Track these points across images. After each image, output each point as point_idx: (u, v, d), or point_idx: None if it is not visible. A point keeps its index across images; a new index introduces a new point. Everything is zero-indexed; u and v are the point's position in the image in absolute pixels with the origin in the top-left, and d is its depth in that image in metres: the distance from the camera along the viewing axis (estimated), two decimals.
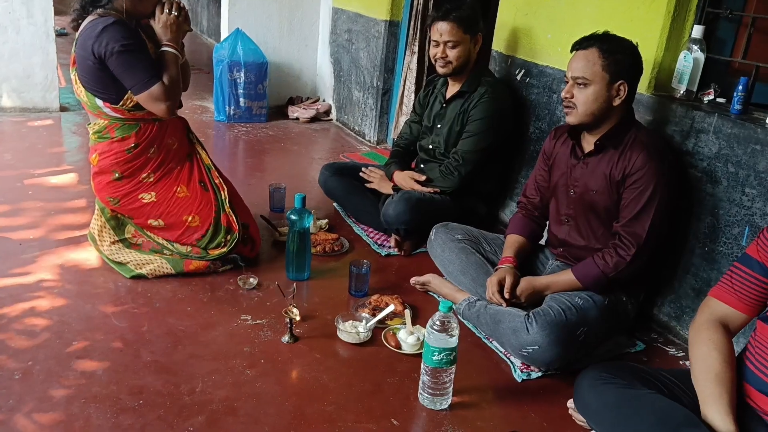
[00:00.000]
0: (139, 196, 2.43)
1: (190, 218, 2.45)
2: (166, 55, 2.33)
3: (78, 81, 2.32)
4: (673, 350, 2.25)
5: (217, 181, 2.56)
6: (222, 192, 2.53)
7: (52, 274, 2.40)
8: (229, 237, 2.46)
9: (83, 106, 2.40)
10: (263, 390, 1.84)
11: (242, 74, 4.72)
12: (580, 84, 2.05)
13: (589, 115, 2.07)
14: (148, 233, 2.49)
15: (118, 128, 2.36)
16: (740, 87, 2.13)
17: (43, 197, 3.13)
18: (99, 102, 2.31)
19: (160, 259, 2.43)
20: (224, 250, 2.45)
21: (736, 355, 1.58)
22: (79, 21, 2.32)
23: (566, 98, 2.08)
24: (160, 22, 2.34)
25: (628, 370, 1.65)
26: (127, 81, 2.25)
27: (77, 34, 2.30)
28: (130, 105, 2.31)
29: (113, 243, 2.47)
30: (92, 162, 2.44)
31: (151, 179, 2.43)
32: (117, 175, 2.40)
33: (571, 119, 2.11)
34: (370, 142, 4.60)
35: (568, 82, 2.09)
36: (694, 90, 2.30)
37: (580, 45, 2.07)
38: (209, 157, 2.63)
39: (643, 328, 2.36)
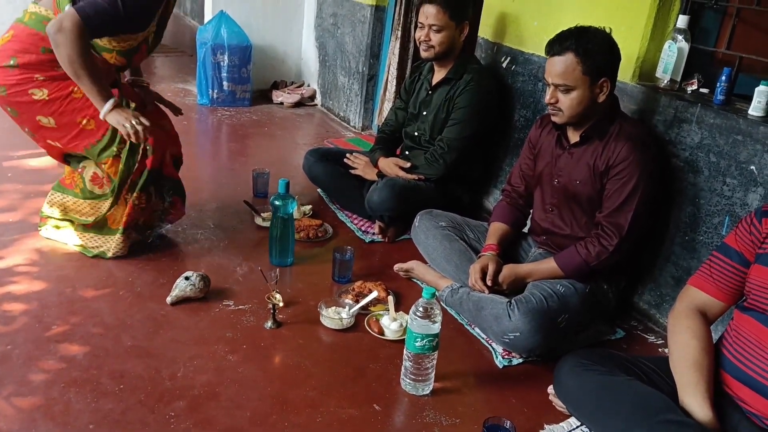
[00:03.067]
0: (30, 91, 2.22)
1: (84, 121, 2.26)
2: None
3: None
4: (653, 338, 2.28)
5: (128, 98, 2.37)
6: (131, 103, 2.34)
7: (31, 257, 2.37)
8: (127, 149, 2.28)
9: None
10: (245, 375, 1.84)
11: (226, 57, 4.66)
12: (562, 90, 2.03)
13: (575, 116, 2.07)
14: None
15: None
16: (723, 77, 2.14)
17: (22, 180, 3.08)
18: (68, 6, 2.09)
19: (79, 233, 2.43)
20: (121, 167, 2.31)
21: (714, 342, 1.61)
22: None
23: (551, 104, 2.07)
24: (115, 115, 2.19)
25: (608, 357, 1.67)
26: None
27: None
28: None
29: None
30: (3, 38, 2.25)
31: (42, 78, 2.22)
32: (12, 62, 2.20)
33: (558, 120, 2.11)
34: (355, 128, 4.58)
35: (549, 86, 2.08)
36: (678, 80, 2.32)
37: (553, 49, 2.03)
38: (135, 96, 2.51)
39: (624, 316, 2.39)
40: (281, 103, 5.05)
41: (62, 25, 2.04)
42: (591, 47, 1.99)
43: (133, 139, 2.17)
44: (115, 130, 2.25)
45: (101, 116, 2.17)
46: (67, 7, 2.08)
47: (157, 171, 2.38)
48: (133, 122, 2.16)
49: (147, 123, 2.18)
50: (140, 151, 2.30)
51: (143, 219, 2.44)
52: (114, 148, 2.29)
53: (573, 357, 1.69)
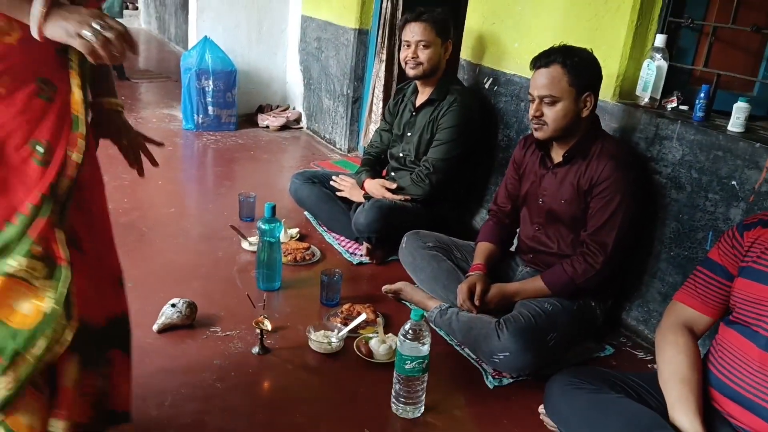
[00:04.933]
0: None
1: None
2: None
3: None
4: (642, 354, 2.29)
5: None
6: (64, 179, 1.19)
7: None
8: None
9: None
10: (234, 403, 1.82)
11: (211, 82, 4.68)
12: (548, 102, 2.06)
13: (559, 130, 2.09)
14: None
15: None
16: (702, 94, 2.18)
17: None
18: None
19: None
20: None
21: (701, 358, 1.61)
22: None
23: (536, 117, 2.09)
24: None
25: (597, 375, 1.67)
26: None
27: None
28: None
29: None
30: None
31: None
32: None
33: (541, 135, 2.12)
34: (340, 150, 4.59)
35: (533, 100, 2.10)
36: (658, 98, 2.35)
37: (540, 62, 2.08)
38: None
39: (612, 333, 2.39)
40: (267, 127, 5.06)
41: None
42: (577, 61, 2.03)
43: (101, 57, 1.12)
44: (24, 225, 1.14)
45: (35, 28, 1.11)
46: None
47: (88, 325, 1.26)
48: (96, 25, 1.11)
49: (119, 27, 1.13)
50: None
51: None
52: (14, 262, 1.13)
53: (563, 376, 1.69)
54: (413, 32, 2.82)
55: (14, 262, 1.13)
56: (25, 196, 1.15)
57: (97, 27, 1.11)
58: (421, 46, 2.82)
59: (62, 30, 1.11)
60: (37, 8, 1.10)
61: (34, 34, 1.11)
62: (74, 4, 1.14)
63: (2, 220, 1.14)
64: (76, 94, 1.22)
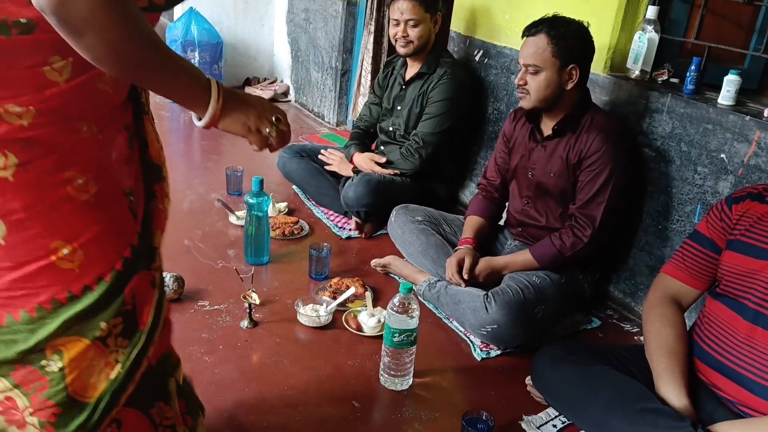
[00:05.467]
0: None
1: (63, 249, 0.98)
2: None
3: None
4: (628, 326, 2.30)
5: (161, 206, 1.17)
6: (158, 232, 1.16)
7: None
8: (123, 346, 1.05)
9: None
10: (222, 376, 1.82)
11: (197, 54, 4.60)
12: (531, 71, 2.06)
13: (542, 100, 2.09)
14: None
15: None
16: (693, 67, 2.16)
17: None
18: None
19: None
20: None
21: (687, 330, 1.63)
22: None
23: (520, 85, 2.10)
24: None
25: (584, 348, 1.68)
26: None
27: None
28: None
29: None
30: None
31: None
32: None
33: (525, 104, 2.13)
34: (329, 123, 4.55)
35: (521, 69, 2.10)
36: (649, 70, 2.33)
37: (529, 31, 2.08)
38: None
39: (599, 305, 2.41)
40: None
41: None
42: (563, 32, 2.02)
43: (273, 148, 1.15)
44: (119, 280, 1.03)
45: (207, 121, 1.05)
46: None
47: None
48: (274, 120, 1.13)
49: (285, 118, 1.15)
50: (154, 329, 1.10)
51: None
52: (103, 323, 1.02)
53: (550, 348, 1.70)
54: (401, 10, 2.77)
55: (104, 324, 1.01)
56: (122, 248, 1.05)
57: (275, 122, 1.11)
58: (411, 25, 2.77)
59: (241, 125, 1.09)
60: (214, 105, 1.03)
61: (201, 124, 1.05)
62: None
63: (97, 276, 1.01)
64: (156, 143, 1.16)
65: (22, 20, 0.89)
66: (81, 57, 0.89)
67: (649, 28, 2.26)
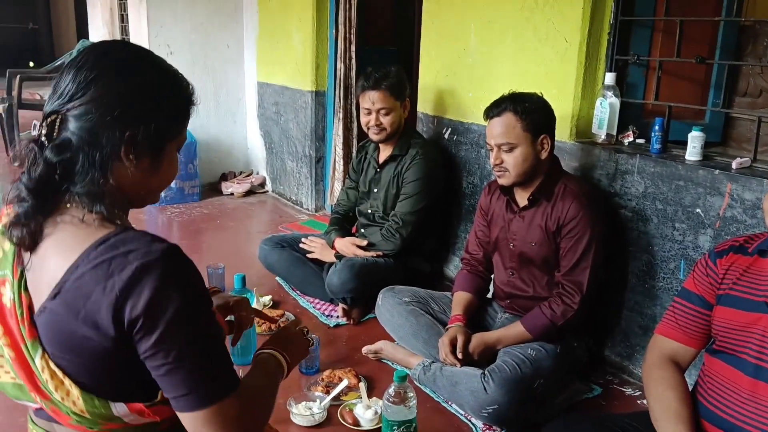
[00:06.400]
0: None
1: None
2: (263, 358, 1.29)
3: (56, 372, 0.97)
4: (630, 390, 2.26)
5: None
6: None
7: None
8: None
9: (59, 417, 1.02)
10: None
11: None
12: (506, 149, 2.09)
13: (521, 174, 2.12)
14: None
15: None
16: (657, 127, 2.22)
17: None
18: (119, 408, 1.00)
19: None
20: None
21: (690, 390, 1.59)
22: (33, 227, 0.98)
23: (497, 165, 2.12)
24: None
25: (590, 422, 1.63)
26: (179, 382, 0.96)
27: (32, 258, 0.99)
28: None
29: None
30: None
31: None
32: None
33: (505, 181, 2.15)
34: (308, 210, 4.57)
35: (491, 149, 2.13)
36: (614, 134, 2.39)
37: (492, 111, 2.13)
38: None
39: (598, 371, 2.36)
40: (232, 194, 5.02)
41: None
42: (528, 106, 2.08)
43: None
44: None
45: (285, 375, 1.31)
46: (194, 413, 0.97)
47: None
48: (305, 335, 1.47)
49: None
50: None
51: None
52: None
53: (555, 426, 1.64)
54: (373, 100, 2.83)
55: None
56: None
57: (306, 334, 1.47)
58: (383, 113, 2.84)
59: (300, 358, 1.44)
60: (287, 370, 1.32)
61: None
62: None
63: None
64: None
65: None
66: None
67: (609, 93, 2.33)
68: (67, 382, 0.97)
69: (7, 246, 1.00)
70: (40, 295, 0.96)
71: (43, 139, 0.96)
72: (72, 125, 0.97)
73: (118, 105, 0.98)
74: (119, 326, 0.91)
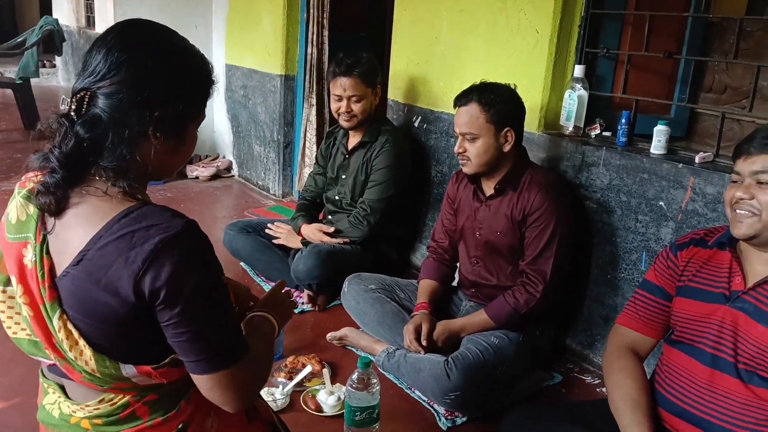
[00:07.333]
0: None
1: None
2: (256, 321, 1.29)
3: (72, 332, 1.02)
4: (590, 378, 2.30)
5: None
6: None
7: None
8: None
9: (71, 374, 1.08)
10: None
11: None
12: (469, 138, 2.11)
13: (483, 165, 2.13)
14: None
15: (155, 402, 1.12)
16: (623, 120, 2.25)
17: None
18: (128, 370, 1.06)
19: None
20: None
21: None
22: (60, 195, 1.02)
23: (460, 153, 2.14)
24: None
25: (550, 409, 1.65)
26: (197, 348, 1.03)
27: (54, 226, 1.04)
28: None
29: None
30: None
31: None
32: None
33: (468, 170, 2.17)
34: (275, 195, 4.53)
35: (458, 137, 2.14)
36: (582, 126, 2.42)
37: (460, 101, 2.15)
38: None
39: (559, 359, 2.40)
40: (197, 178, 4.94)
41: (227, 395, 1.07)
42: (493, 98, 2.08)
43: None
44: None
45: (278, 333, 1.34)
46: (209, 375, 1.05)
47: None
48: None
49: None
50: None
51: None
52: None
53: (516, 413, 1.66)
54: (344, 87, 2.80)
55: None
56: None
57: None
58: (353, 100, 2.82)
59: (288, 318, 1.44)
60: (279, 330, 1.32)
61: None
62: None
63: None
64: None
65: None
66: None
67: (578, 86, 2.35)
68: (81, 342, 1.02)
69: (31, 209, 1.05)
70: (62, 260, 1.01)
71: (72, 114, 1.01)
72: (101, 102, 1.01)
73: (147, 87, 1.03)
74: (140, 295, 0.97)
